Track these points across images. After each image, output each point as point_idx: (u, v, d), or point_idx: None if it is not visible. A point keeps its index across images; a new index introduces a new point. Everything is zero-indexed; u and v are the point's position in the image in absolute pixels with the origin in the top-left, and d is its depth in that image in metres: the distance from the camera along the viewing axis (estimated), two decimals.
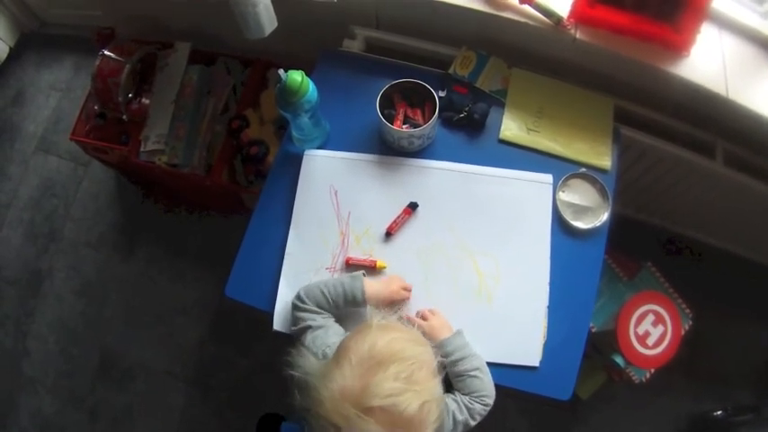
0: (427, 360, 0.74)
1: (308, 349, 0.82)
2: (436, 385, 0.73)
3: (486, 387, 0.86)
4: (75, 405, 1.68)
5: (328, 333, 0.86)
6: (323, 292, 0.90)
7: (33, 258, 1.86)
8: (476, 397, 0.85)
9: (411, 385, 0.69)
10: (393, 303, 0.95)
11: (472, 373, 0.85)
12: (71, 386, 1.71)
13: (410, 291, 0.97)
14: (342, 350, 0.75)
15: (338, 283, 0.92)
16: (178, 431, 1.62)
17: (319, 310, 0.90)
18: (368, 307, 0.91)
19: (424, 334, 0.87)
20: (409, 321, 0.90)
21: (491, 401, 0.86)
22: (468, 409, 0.84)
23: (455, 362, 0.86)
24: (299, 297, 0.91)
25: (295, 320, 0.90)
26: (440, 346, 0.86)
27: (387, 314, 0.84)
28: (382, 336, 0.74)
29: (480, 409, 0.85)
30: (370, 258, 1.00)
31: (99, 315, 1.76)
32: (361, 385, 0.68)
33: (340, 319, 0.92)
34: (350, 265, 1.00)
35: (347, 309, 0.92)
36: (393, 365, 0.69)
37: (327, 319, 0.90)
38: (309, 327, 0.87)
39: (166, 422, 1.63)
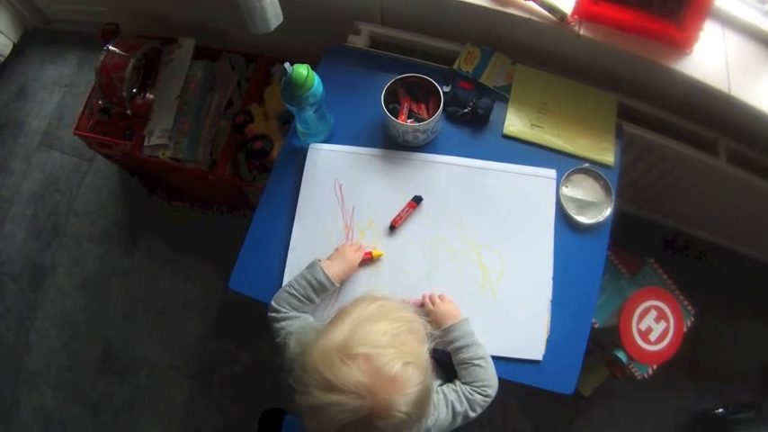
0: (416, 327, 0.75)
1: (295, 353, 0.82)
2: (423, 352, 0.73)
3: (488, 377, 0.86)
4: (77, 399, 1.69)
5: (309, 334, 0.85)
6: (291, 293, 0.91)
7: (36, 253, 1.86)
8: (477, 387, 0.85)
9: (398, 344, 0.70)
10: (357, 268, 0.97)
11: (476, 362, 0.86)
12: (73, 380, 1.71)
13: (363, 249, 0.99)
14: (337, 315, 0.77)
15: (300, 278, 0.93)
16: (180, 425, 1.63)
17: (296, 314, 0.90)
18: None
19: (432, 319, 0.88)
20: (417, 305, 0.92)
21: (493, 393, 0.86)
22: (469, 400, 0.84)
23: (459, 348, 0.87)
24: (271, 308, 0.91)
25: (276, 332, 0.90)
26: (445, 332, 0.87)
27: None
28: (376, 300, 0.76)
29: (481, 401, 0.85)
30: (367, 249, 1.00)
31: (101, 310, 1.77)
32: (349, 334, 0.70)
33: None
34: None
35: (321, 297, 0.94)
36: (383, 322, 0.72)
37: (305, 321, 0.90)
38: (290, 333, 0.87)
39: (168, 416, 1.64)
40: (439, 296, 0.94)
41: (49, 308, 1.80)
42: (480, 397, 0.85)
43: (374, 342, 0.68)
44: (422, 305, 0.94)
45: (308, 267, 0.94)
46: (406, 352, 0.70)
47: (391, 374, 0.67)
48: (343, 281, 0.96)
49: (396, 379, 0.67)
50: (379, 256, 1.00)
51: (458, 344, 0.87)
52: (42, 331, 1.77)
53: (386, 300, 0.78)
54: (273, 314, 0.91)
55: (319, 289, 0.92)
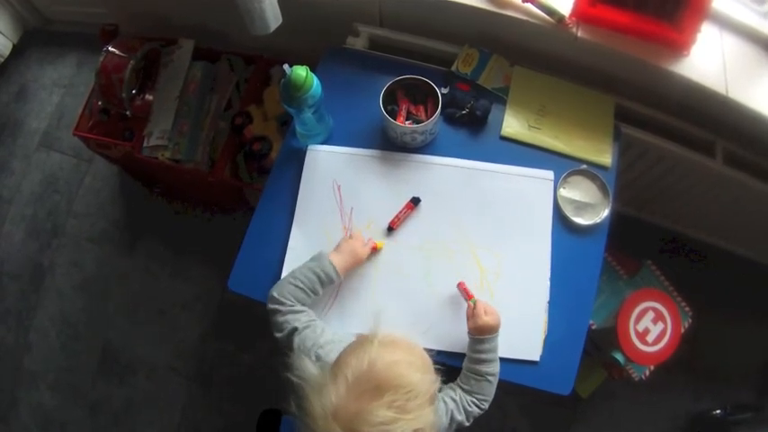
0: (424, 389, 0.71)
1: (300, 353, 0.81)
2: (430, 413, 0.72)
3: (490, 393, 0.87)
4: (77, 400, 1.69)
5: (316, 332, 0.85)
6: (298, 286, 0.89)
7: (35, 253, 1.87)
8: (478, 399, 0.86)
9: (404, 414, 0.68)
10: (360, 259, 0.97)
11: (489, 378, 0.86)
12: (72, 381, 1.71)
13: (371, 242, 0.98)
14: (340, 364, 0.72)
15: (306, 271, 0.91)
16: (179, 426, 1.63)
17: (301, 308, 0.89)
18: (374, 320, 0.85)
19: (473, 326, 0.87)
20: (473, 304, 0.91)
21: (487, 407, 0.88)
22: (467, 411, 0.85)
23: (482, 361, 0.87)
24: (274, 300, 0.89)
25: (278, 326, 0.88)
26: (481, 342, 0.87)
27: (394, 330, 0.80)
28: (383, 355, 0.71)
29: (477, 413, 0.86)
30: (373, 242, 1.00)
31: (100, 310, 1.77)
32: (355, 410, 0.67)
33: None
34: None
35: (325, 289, 0.93)
36: (388, 393, 0.68)
37: (310, 316, 0.89)
38: (295, 329, 0.86)
39: (168, 417, 1.64)
40: (489, 307, 0.91)
41: (48, 308, 1.80)
42: (477, 410, 0.86)
43: (381, 419, 0.66)
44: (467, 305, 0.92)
45: (314, 259, 0.93)
46: (412, 420, 0.68)
47: None
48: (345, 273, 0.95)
49: None
50: (381, 246, 1.00)
51: (483, 356, 0.86)
52: (42, 331, 1.78)
53: (394, 352, 0.73)
54: (277, 306, 0.88)
55: (326, 282, 0.92)
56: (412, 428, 0.68)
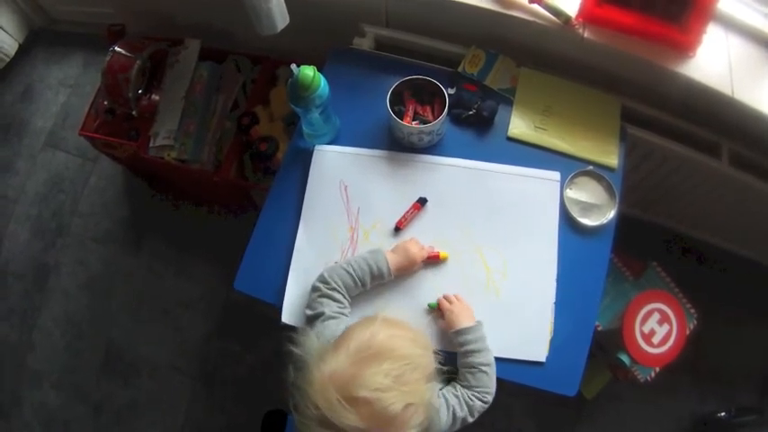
0: (423, 363, 0.74)
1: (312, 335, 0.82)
2: (427, 390, 0.73)
3: (491, 384, 0.87)
4: (80, 399, 1.69)
5: (340, 326, 0.86)
6: (349, 272, 0.90)
7: (40, 253, 1.87)
8: (479, 392, 0.86)
9: (400, 385, 0.69)
10: (415, 270, 0.97)
11: (483, 368, 0.86)
12: (76, 380, 1.71)
13: (428, 249, 0.98)
14: (343, 336, 0.75)
15: (361, 261, 0.92)
16: (183, 426, 1.63)
17: (341, 297, 0.89)
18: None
19: (447, 318, 0.88)
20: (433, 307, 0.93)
21: (491, 399, 0.87)
22: (469, 405, 0.84)
23: (470, 352, 0.87)
24: (322, 279, 0.90)
25: (311, 303, 0.89)
26: (459, 333, 0.87)
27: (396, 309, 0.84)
28: (385, 329, 0.74)
29: (480, 407, 0.85)
30: (433, 251, 0.99)
31: (105, 310, 1.77)
32: (352, 373, 0.69)
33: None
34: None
35: (373, 284, 0.93)
36: (387, 361, 0.70)
37: (344, 310, 0.89)
38: (322, 314, 0.86)
39: (171, 417, 1.64)
40: (454, 295, 0.94)
41: (52, 307, 1.80)
42: (480, 403, 0.85)
43: (375, 385, 0.68)
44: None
45: (371, 252, 0.94)
46: (407, 392, 0.69)
47: (390, 416, 0.68)
48: (399, 276, 0.95)
49: (395, 419, 0.68)
50: (446, 257, 0.99)
51: (470, 347, 0.87)
52: (46, 331, 1.78)
53: (396, 328, 0.76)
54: (321, 284, 0.89)
55: (377, 276, 0.92)
56: (405, 401, 0.69)
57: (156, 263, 1.80)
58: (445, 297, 0.94)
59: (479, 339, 0.88)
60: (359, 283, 0.91)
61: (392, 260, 0.93)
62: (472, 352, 0.86)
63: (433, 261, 0.99)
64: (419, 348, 0.75)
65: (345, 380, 0.68)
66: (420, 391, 0.72)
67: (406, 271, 0.96)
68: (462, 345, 0.87)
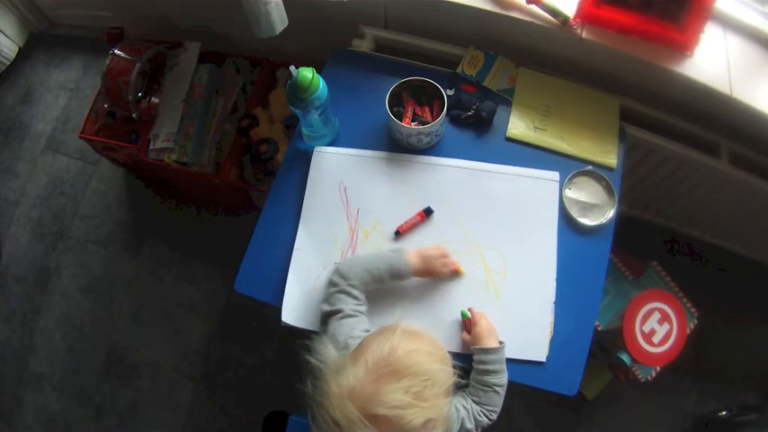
0: (442, 379, 0.73)
1: (330, 337, 0.81)
2: (445, 405, 0.73)
3: (499, 403, 0.88)
4: (81, 402, 1.69)
5: (358, 325, 0.85)
6: (368, 268, 0.89)
7: (41, 256, 1.87)
8: (487, 410, 0.86)
9: (420, 401, 0.69)
10: (434, 275, 0.96)
11: (497, 389, 0.86)
12: (77, 383, 1.72)
13: (451, 263, 0.96)
14: (362, 348, 0.74)
15: (382, 258, 0.91)
16: (184, 428, 1.63)
17: (359, 294, 0.88)
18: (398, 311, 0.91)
19: (473, 333, 0.89)
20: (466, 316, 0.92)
21: (495, 418, 0.88)
22: (477, 420, 0.85)
23: (489, 372, 0.87)
24: (339, 274, 0.89)
25: (329, 299, 0.88)
26: (483, 352, 0.87)
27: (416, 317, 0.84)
28: (405, 344, 0.72)
29: (485, 424, 0.86)
30: (456, 265, 0.98)
31: (106, 312, 1.78)
32: (371, 390, 0.68)
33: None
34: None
35: (390, 283, 0.93)
36: (406, 378, 0.69)
37: (361, 307, 0.88)
38: (340, 310, 0.85)
39: (172, 419, 1.64)
40: (480, 312, 0.93)
41: (53, 310, 1.81)
42: (486, 420, 0.86)
43: (395, 402, 0.67)
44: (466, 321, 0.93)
45: (393, 250, 0.94)
46: (427, 408, 0.69)
47: None
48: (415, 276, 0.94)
49: None
50: (462, 272, 0.98)
51: (490, 367, 0.87)
52: (47, 333, 1.78)
53: (416, 341, 0.74)
54: (338, 279, 0.88)
55: (395, 275, 0.91)
56: (425, 417, 0.69)
57: (156, 265, 1.80)
58: (470, 309, 0.94)
59: (500, 361, 0.88)
60: (376, 280, 0.90)
61: (412, 261, 0.92)
62: (491, 372, 0.86)
63: (453, 275, 0.98)
64: (437, 363, 0.74)
65: (365, 397, 0.68)
66: (439, 405, 0.71)
67: (427, 276, 0.95)
68: (483, 363, 0.87)
